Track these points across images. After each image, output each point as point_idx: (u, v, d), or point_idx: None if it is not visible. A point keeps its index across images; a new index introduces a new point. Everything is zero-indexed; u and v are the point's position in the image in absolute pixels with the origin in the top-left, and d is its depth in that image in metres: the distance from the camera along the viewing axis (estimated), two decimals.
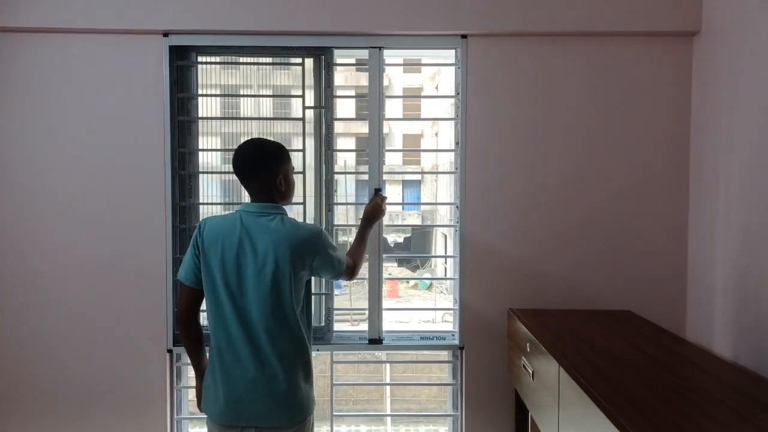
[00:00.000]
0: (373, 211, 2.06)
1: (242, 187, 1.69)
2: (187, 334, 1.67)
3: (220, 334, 1.59)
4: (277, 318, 1.57)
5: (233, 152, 1.64)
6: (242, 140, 1.67)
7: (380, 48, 2.20)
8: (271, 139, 1.71)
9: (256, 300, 1.55)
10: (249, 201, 1.68)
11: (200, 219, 2.30)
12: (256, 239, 1.57)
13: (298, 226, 1.62)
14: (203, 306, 1.66)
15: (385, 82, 2.32)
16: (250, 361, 1.56)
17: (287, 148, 1.73)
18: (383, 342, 2.27)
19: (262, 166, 1.62)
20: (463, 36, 2.18)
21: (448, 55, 2.28)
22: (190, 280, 1.63)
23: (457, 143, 2.23)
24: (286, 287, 1.57)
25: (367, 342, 2.28)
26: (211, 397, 1.61)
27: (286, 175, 1.67)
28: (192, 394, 2.58)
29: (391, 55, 2.30)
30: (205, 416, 1.67)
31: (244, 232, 1.58)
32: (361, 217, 2.06)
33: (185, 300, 1.66)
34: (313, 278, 1.77)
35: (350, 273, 1.84)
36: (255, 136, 1.85)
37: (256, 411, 1.57)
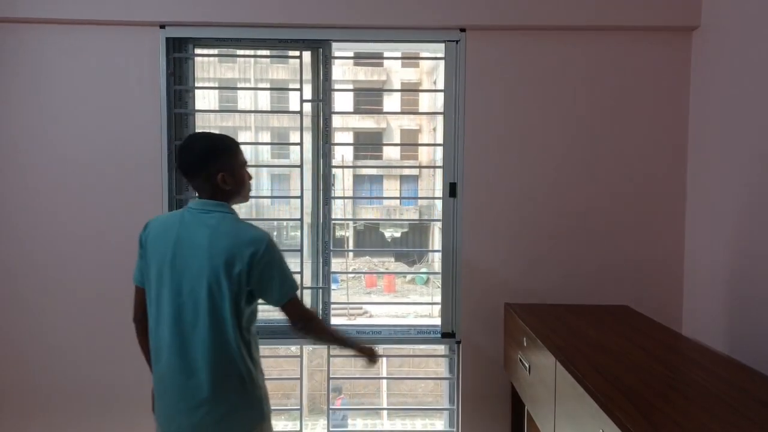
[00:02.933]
0: (366, 353, 1.71)
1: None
2: (142, 335, 1.60)
3: (154, 336, 1.51)
4: (211, 322, 1.44)
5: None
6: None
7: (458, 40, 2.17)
8: (217, 132, 1.58)
9: (191, 303, 1.45)
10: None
11: None
12: (192, 237, 1.46)
13: (240, 228, 1.48)
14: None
15: (383, 77, 2.30)
16: (177, 368, 1.46)
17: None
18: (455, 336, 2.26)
19: (199, 163, 1.48)
20: (462, 29, 2.17)
21: (447, 49, 2.26)
22: (138, 279, 1.58)
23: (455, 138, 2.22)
24: (219, 288, 1.43)
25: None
26: (155, 397, 1.55)
27: (231, 171, 1.52)
28: None
29: (389, 49, 2.29)
30: None
31: (183, 230, 1.48)
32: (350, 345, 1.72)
33: (136, 300, 1.60)
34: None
35: (298, 313, 1.56)
36: (204, 131, 1.62)
37: (182, 421, 1.47)
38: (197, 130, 2.29)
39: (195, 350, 1.45)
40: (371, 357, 1.72)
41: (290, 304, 1.53)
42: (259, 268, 1.45)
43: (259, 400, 1.53)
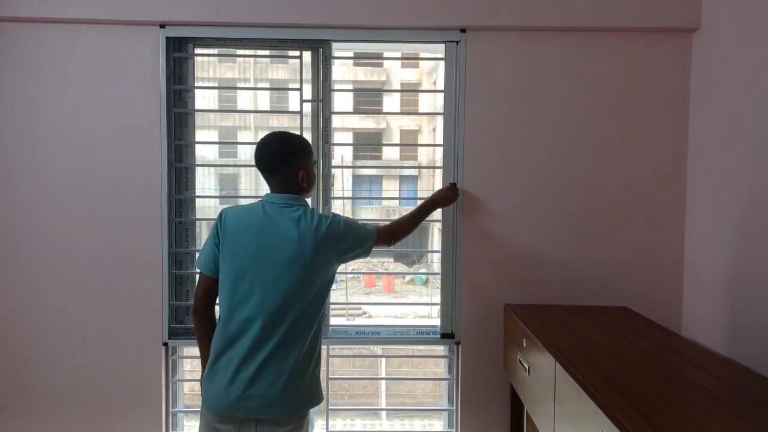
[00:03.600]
0: (444, 197, 2.11)
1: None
2: (204, 324, 1.65)
3: (227, 323, 1.57)
4: (295, 308, 1.55)
5: (256, 145, 1.65)
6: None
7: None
8: (295, 133, 1.70)
9: (277, 290, 1.54)
10: (269, 192, 1.67)
11: (196, 212, 2.30)
12: (279, 229, 1.57)
13: (321, 218, 1.62)
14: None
15: (383, 77, 2.31)
16: (263, 350, 1.54)
17: None
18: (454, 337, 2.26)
19: (283, 160, 1.62)
20: (462, 30, 2.17)
21: (448, 50, 2.26)
22: (209, 269, 1.62)
23: (445, 140, 2.22)
24: (308, 278, 1.57)
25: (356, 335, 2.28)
26: (213, 387, 1.58)
27: (307, 169, 1.67)
28: (187, 387, 2.58)
29: (389, 49, 2.29)
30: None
31: (267, 222, 1.58)
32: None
33: (203, 289, 1.64)
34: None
35: (387, 239, 1.84)
36: (282, 130, 1.73)
37: (259, 402, 1.53)
38: (195, 129, 2.29)
39: (279, 336, 1.54)
40: (451, 197, 2.10)
41: (378, 243, 1.78)
42: (347, 242, 1.65)
43: (319, 383, 1.68)
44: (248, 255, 1.56)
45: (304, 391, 1.60)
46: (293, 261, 1.55)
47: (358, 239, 1.70)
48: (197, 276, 1.70)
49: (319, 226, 1.59)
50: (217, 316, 1.66)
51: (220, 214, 1.64)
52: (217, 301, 1.65)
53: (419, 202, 2.06)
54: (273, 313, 1.54)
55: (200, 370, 1.70)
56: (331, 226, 1.61)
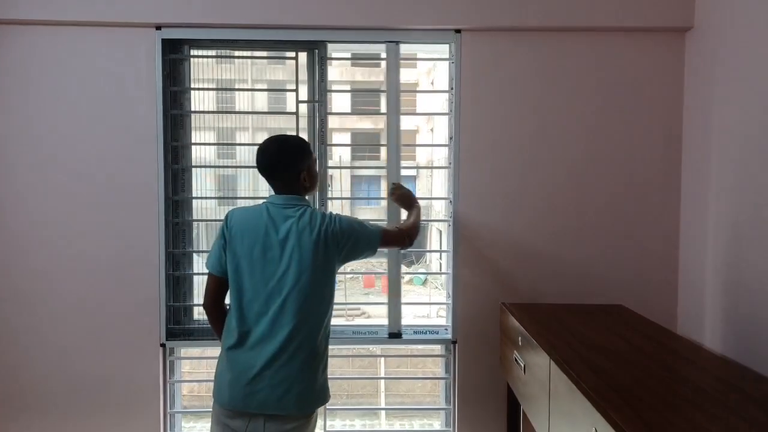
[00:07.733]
0: (410, 197, 2.09)
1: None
2: (215, 317, 1.71)
3: (239, 319, 1.60)
4: (299, 307, 1.59)
5: (257, 149, 1.68)
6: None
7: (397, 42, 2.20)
8: (293, 135, 1.73)
9: (280, 288, 1.59)
10: (274, 193, 1.70)
11: (193, 213, 2.30)
12: (281, 229, 1.61)
13: (323, 217, 1.66)
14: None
15: (381, 77, 2.31)
16: (271, 347, 1.57)
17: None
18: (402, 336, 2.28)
19: (285, 164, 1.66)
20: (457, 31, 2.18)
21: (443, 50, 2.28)
22: (216, 269, 1.67)
23: (450, 138, 2.23)
24: (311, 277, 1.60)
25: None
26: (225, 382, 1.60)
27: (309, 169, 1.72)
28: (186, 388, 2.58)
29: (385, 50, 2.29)
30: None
31: (270, 223, 1.62)
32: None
33: (212, 289, 1.69)
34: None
35: (401, 239, 1.86)
36: (280, 134, 1.77)
37: (269, 397, 1.56)
38: (192, 131, 2.29)
39: (285, 334, 1.57)
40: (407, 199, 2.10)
41: (384, 242, 1.78)
42: (349, 242, 1.68)
43: (327, 382, 1.72)
44: (252, 255, 1.61)
45: (314, 390, 1.63)
46: (294, 260, 1.59)
47: (361, 239, 1.72)
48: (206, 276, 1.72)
49: (318, 226, 1.63)
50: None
51: (227, 216, 1.68)
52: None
53: (406, 214, 2.08)
54: (277, 311, 1.58)
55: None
56: (330, 225, 1.65)
